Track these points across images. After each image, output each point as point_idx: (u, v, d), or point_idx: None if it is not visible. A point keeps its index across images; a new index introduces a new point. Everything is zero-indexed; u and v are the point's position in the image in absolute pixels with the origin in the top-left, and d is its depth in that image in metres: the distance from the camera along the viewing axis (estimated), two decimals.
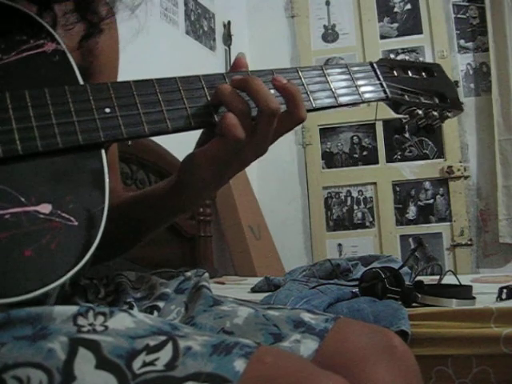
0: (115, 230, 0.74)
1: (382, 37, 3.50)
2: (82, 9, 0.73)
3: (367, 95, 0.79)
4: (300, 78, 0.74)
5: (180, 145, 2.19)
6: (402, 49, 3.41)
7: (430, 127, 0.87)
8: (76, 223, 0.55)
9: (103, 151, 0.60)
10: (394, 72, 0.85)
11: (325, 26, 3.60)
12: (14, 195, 0.53)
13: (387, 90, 0.81)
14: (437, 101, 0.87)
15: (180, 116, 0.65)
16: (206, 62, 3.11)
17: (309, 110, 0.73)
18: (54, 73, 0.62)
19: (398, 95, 0.83)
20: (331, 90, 0.75)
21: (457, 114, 0.89)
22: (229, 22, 3.39)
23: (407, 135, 3.38)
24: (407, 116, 0.85)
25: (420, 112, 0.84)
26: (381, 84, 0.81)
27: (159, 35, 2.63)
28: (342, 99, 0.76)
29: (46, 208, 0.54)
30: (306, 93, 0.73)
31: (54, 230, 0.53)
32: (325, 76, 0.76)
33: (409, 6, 3.50)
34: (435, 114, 0.85)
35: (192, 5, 3.02)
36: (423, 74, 0.89)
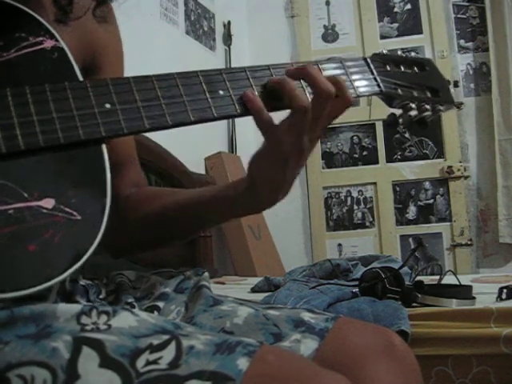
0: (171, 226, 0.79)
1: (382, 37, 3.50)
2: None
3: (362, 89, 0.80)
4: None
5: (180, 145, 2.20)
6: (402, 49, 3.40)
7: (422, 121, 0.88)
8: (79, 217, 0.55)
9: (104, 146, 0.60)
10: (387, 67, 0.86)
11: (325, 26, 3.60)
12: (17, 190, 0.54)
13: (381, 84, 0.82)
14: (429, 95, 0.88)
15: (179, 111, 0.65)
16: (206, 62, 3.10)
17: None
18: (54, 70, 0.62)
19: (392, 89, 0.84)
20: None
21: (449, 108, 0.91)
22: (229, 22, 3.39)
23: (407, 135, 3.39)
24: (401, 110, 0.86)
25: (413, 106, 0.85)
26: (375, 78, 0.82)
27: (159, 35, 2.63)
28: None
29: (48, 203, 0.54)
30: (302, 87, 0.73)
31: (57, 225, 0.54)
32: (320, 71, 0.76)
33: (409, 6, 3.50)
34: (428, 107, 0.86)
35: (192, 5, 3.02)
36: (415, 68, 0.90)
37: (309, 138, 0.69)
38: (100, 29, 0.79)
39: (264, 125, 0.67)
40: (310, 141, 0.69)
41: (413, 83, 0.86)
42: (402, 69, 0.87)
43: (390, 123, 0.87)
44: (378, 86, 0.82)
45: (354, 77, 0.79)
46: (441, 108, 0.88)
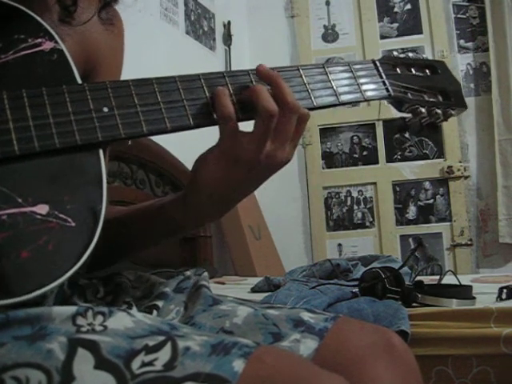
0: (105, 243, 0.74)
1: (382, 37, 3.50)
2: None
3: (369, 93, 0.78)
4: (301, 76, 0.73)
5: (180, 145, 2.20)
6: (402, 49, 3.38)
7: (433, 125, 0.85)
8: (73, 224, 0.54)
9: (101, 151, 0.60)
10: (397, 70, 0.83)
11: (325, 26, 3.60)
12: (11, 196, 0.53)
13: (390, 88, 0.80)
14: (440, 99, 0.85)
15: (179, 115, 0.64)
16: (206, 62, 3.10)
17: (310, 109, 0.72)
18: (52, 72, 0.61)
19: (401, 93, 0.81)
20: (333, 88, 0.74)
21: (460, 112, 0.88)
22: (229, 22, 3.38)
23: (407, 135, 3.38)
24: (410, 114, 0.84)
25: (423, 110, 0.82)
26: (383, 82, 0.80)
27: (159, 35, 2.63)
28: (344, 97, 0.75)
29: (43, 209, 0.54)
30: (307, 91, 0.72)
31: (51, 231, 0.53)
32: (326, 74, 0.75)
33: (409, 6, 3.49)
34: (439, 111, 0.83)
35: (192, 5, 3.01)
36: (427, 71, 0.87)
37: (272, 149, 0.66)
38: (103, 35, 0.77)
39: (230, 129, 0.65)
40: (272, 156, 0.66)
41: (424, 86, 0.84)
42: (413, 71, 0.85)
43: (400, 128, 0.84)
44: (387, 90, 0.80)
45: (362, 80, 0.78)
46: (452, 112, 0.85)
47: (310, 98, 0.72)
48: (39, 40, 0.61)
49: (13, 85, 0.58)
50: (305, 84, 0.73)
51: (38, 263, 0.51)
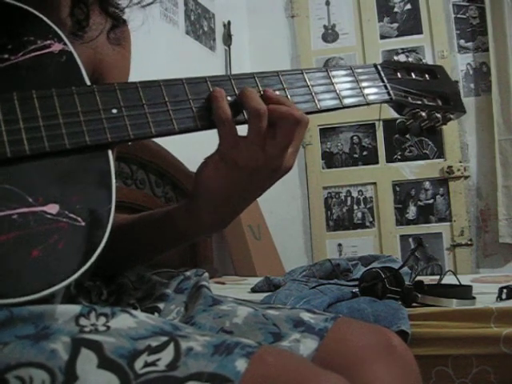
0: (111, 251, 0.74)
1: (382, 37, 3.50)
2: (103, 2, 0.75)
3: (371, 97, 0.80)
4: (305, 80, 0.74)
5: (180, 145, 2.20)
6: (402, 49, 3.41)
7: (432, 129, 0.87)
8: (83, 223, 0.55)
9: (110, 152, 0.60)
10: (398, 74, 0.85)
11: (325, 26, 3.60)
12: (22, 195, 0.54)
13: (391, 91, 0.82)
14: (440, 103, 0.87)
15: (186, 117, 0.65)
16: (206, 62, 3.10)
17: (314, 112, 0.73)
18: (61, 73, 0.62)
19: (402, 97, 0.83)
20: (336, 91, 0.76)
21: (459, 116, 0.90)
22: (229, 22, 3.39)
23: (408, 135, 3.38)
24: (410, 117, 0.85)
25: (423, 114, 0.84)
26: (385, 86, 0.82)
27: (159, 35, 2.63)
28: (347, 101, 0.77)
29: (53, 208, 0.54)
30: (311, 94, 0.73)
31: (61, 231, 0.53)
32: (329, 78, 0.76)
33: (409, 6, 3.49)
34: (438, 115, 0.85)
35: (192, 5, 3.02)
36: (426, 75, 0.89)
37: (271, 155, 0.65)
38: (112, 57, 0.78)
39: (230, 133, 0.65)
40: (272, 162, 0.66)
41: (424, 91, 0.86)
42: (414, 76, 0.87)
43: (400, 130, 0.86)
44: (388, 93, 0.81)
45: (364, 84, 0.79)
46: (451, 116, 0.87)
47: (314, 101, 0.73)
48: (48, 42, 0.62)
49: (23, 86, 0.58)
50: (309, 87, 0.74)
51: (48, 262, 0.52)
